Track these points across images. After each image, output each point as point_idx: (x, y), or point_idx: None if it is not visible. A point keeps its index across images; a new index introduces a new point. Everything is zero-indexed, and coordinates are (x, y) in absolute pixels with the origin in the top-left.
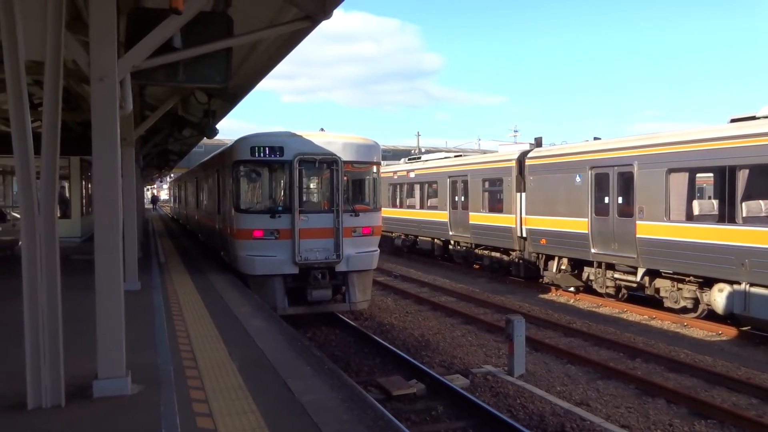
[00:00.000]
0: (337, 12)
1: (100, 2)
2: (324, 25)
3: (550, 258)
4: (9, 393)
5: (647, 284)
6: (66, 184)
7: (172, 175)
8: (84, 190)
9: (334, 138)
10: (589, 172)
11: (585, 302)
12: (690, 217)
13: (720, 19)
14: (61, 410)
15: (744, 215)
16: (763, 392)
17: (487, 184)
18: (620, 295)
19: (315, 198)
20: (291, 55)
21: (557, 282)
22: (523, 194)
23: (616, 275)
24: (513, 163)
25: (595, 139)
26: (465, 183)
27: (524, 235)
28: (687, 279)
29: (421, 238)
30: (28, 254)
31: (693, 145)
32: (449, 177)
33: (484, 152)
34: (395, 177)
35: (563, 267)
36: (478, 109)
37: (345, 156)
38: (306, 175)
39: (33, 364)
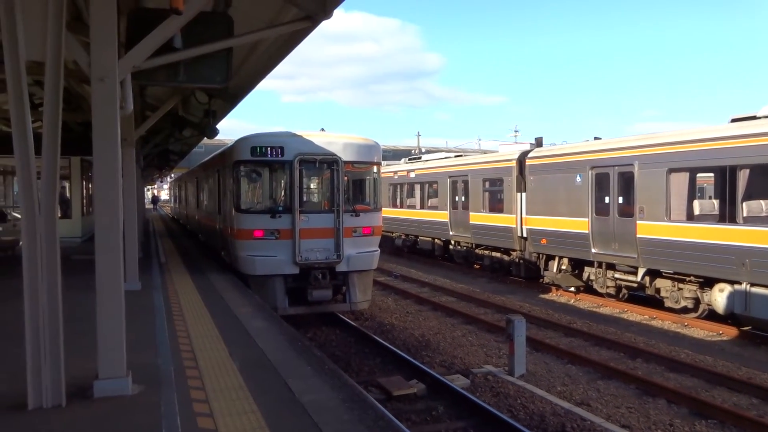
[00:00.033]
0: (338, 12)
1: (100, 3)
2: (324, 25)
3: (550, 258)
4: (10, 393)
5: (648, 284)
6: (66, 185)
7: (172, 175)
8: (84, 191)
9: (335, 138)
10: (590, 172)
11: (585, 302)
12: (691, 217)
13: (720, 19)
14: (61, 410)
15: (745, 215)
16: (763, 392)
17: (487, 184)
18: (621, 295)
19: (315, 198)
20: (291, 55)
21: (558, 282)
22: (524, 194)
23: (617, 275)
24: (513, 163)
25: (596, 139)
26: (465, 183)
27: (525, 235)
28: (688, 279)
29: (422, 238)
30: (29, 254)
31: (693, 144)
32: (449, 177)
33: (485, 152)
34: (396, 177)
35: (564, 267)
36: (478, 109)
37: (345, 156)
38: (306, 175)
39: (34, 365)
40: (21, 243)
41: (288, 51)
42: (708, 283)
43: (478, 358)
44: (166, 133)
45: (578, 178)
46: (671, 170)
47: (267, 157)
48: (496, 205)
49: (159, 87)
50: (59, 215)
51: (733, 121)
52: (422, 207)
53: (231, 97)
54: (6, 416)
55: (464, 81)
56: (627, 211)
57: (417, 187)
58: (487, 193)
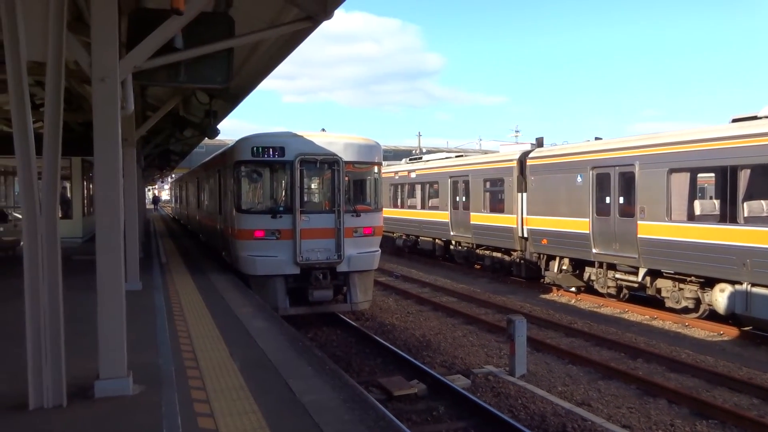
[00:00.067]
0: (338, 12)
1: (101, 3)
2: (325, 26)
3: (551, 258)
4: (11, 393)
5: (648, 284)
6: (67, 185)
7: (173, 175)
8: (85, 191)
9: (336, 138)
10: (591, 172)
11: (586, 302)
12: (691, 217)
13: (720, 18)
14: (62, 410)
15: (745, 215)
16: (764, 392)
17: (488, 185)
18: (621, 296)
19: (316, 198)
20: (292, 55)
21: (558, 282)
22: (525, 194)
23: (618, 275)
24: (514, 163)
25: (597, 139)
26: (466, 183)
27: (525, 235)
28: (688, 279)
29: (423, 238)
30: (30, 254)
31: (694, 145)
32: (450, 177)
33: (486, 152)
34: (396, 177)
35: (564, 267)
36: (479, 109)
37: (346, 156)
38: (307, 175)
39: (35, 365)
40: (22, 243)
41: (289, 51)
42: (709, 283)
43: (479, 359)
44: (167, 133)
45: (579, 179)
46: (672, 170)
47: (268, 157)
48: (497, 205)
49: (160, 87)
50: (60, 215)
51: (734, 121)
52: (423, 207)
53: (232, 98)
54: (7, 416)
55: (465, 81)
56: (628, 211)
57: (418, 188)
58: (487, 194)
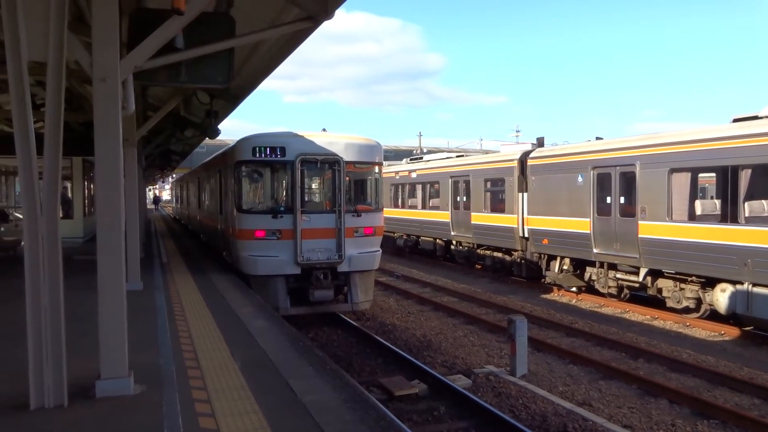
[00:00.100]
0: (339, 12)
1: (102, 3)
2: (326, 26)
3: (552, 258)
4: (12, 393)
5: (649, 284)
6: (68, 185)
7: (174, 175)
8: (86, 191)
9: (336, 138)
10: (591, 172)
11: (587, 302)
12: (692, 217)
13: (719, 18)
14: (63, 410)
15: (746, 215)
16: (765, 392)
17: (489, 184)
18: (622, 295)
19: (317, 198)
20: (293, 55)
21: (559, 282)
22: (525, 194)
23: (619, 275)
24: (515, 163)
25: (597, 138)
26: (467, 183)
27: (526, 235)
28: (689, 279)
29: (423, 238)
30: (31, 255)
31: (695, 144)
32: (451, 177)
33: (486, 152)
34: (397, 177)
35: (565, 267)
36: (480, 109)
37: (347, 156)
38: (308, 175)
39: (36, 365)
40: (23, 243)
41: (289, 51)
42: (710, 283)
43: (480, 359)
44: (168, 133)
45: (580, 178)
46: (673, 170)
47: (269, 157)
48: (498, 205)
49: (161, 87)
50: (61, 215)
51: (735, 121)
52: (424, 207)
53: (233, 98)
54: (8, 416)
55: (466, 81)
56: (629, 211)
57: (418, 188)
58: (488, 194)
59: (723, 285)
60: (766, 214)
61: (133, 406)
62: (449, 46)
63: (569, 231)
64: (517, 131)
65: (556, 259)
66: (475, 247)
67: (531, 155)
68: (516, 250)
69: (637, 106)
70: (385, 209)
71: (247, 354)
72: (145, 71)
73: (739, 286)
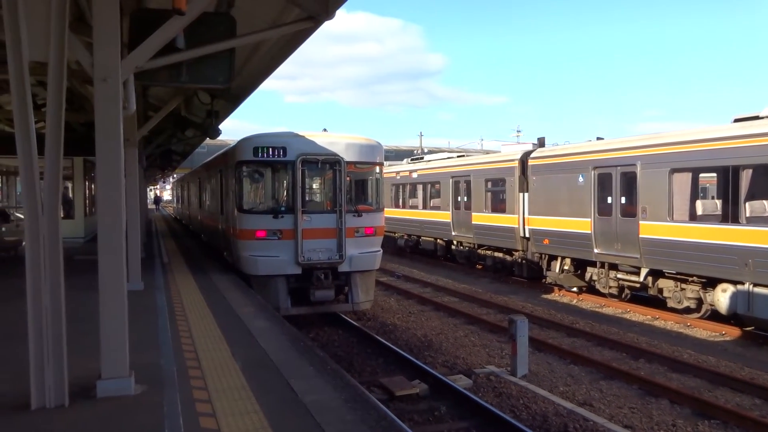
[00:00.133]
0: (340, 12)
1: (103, 3)
2: (327, 26)
3: (553, 258)
4: (13, 393)
5: (650, 284)
6: (69, 185)
7: (175, 175)
8: (87, 191)
9: (337, 138)
10: (592, 172)
11: (588, 302)
12: (693, 217)
13: (719, 17)
14: (64, 410)
15: (747, 215)
16: (766, 393)
17: (489, 185)
18: (623, 296)
19: (318, 198)
20: (294, 55)
21: (560, 282)
22: (526, 194)
23: (619, 275)
24: (516, 164)
25: (598, 139)
26: (468, 183)
27: (527, 235)
28: (690, 279)
29: (424, 238)
30: (32, 255)
31: (696, 145)
32: (452, 177)
33: (487, 152)
34: (398, 177)
35: (566, 267)
36: (481, 109)
37: (348, 156)
38: (309, 175)
39: (37, 365)
40: (24, 243)
41: (290, 51)
42: (711, 283)
43: (481, 359)
44: (169, 133)
45: (581, 179)
46: (674, 170)
47: (269, 157)
48: (499, 205)
49: (161, 87)
50: (62, 216)
51: (736, 121)
52: (424, 207)
53: (233, 98)
54: (9, 416)
55: (467, 81)
56: (629, 211)
57: (419, 188)
58: (489, 194)
59: (724, 285)
60: (766, 214)
61: (134, 406)
62: (450, 46)
63: (570, 231)
64: (518, 131)
65: (557, 259)
66: (476, 247)
67: (532, 155)
68: (517, 250)
69: (638, 105)
70: (385, 209)
71: (248, 354)
72: (146, 71)
73: (740, 287)
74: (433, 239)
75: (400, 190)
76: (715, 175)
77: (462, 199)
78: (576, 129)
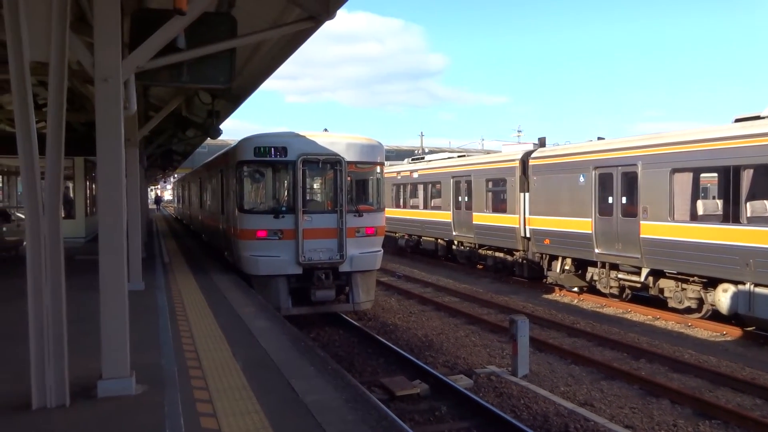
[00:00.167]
0: (341, 12)
1: (104, 3)
2: (327, 26)
3: (553, 258)
4: (14, 393)
5: (651, 284)
6: (70, 185)
7: (175, 175)
8: (88, 191)
9: (338, 138)
10: (593, 172)
11: (589, 302)
12: (694, 217)
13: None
14: (65, 410)
15: (748, 215)
16: (767, 393)
17: (490, 185)
18: (624, 296)
19: (319, 198)
20: (294, 55)
21: (561, 282)
22: (527, 194)
23: (620, 275)
24: (516, 164)
25: (599, 139)
26: (468, 183)
27: (528, 235)
28: (691, 279)
29: (425, 238)
30: (33, 254)
31: (697, 145)
32: (453, 177)
33: (488, 152)
34: (399, 177)
35: (567, 267)
36: (481, 109)
37: (348, 156)
38: (309, 175)
39: (38, 365)
40: (25, 243)
41: (291, 51)
42: (712, 283)
43: (482, 359)
44: (170, 133)
45: (581, 179)
46: (675, 170)
47: (270, 157)
48: (499, 205)
49: (162, 87)
50: (63, 215)
51: (737, 121)
52: (425, 207)
53: (234, 98)
54: (10, 416)
55: (468, 81)
56: (630, 211)
57: (420, 188)
58: (490, 194)
59: (725, 285)
60: (767, 214)
61: (134, 406)
62: (451, 46)
63: (571, 231)
64: (519, 131)
65: (557, 260)
66: (477, 247)
67: (533, 155)
68: (518, 250)
69: (639, 105)
70: (386, 209)
71: (248, 354)
72: (146, 71)
73: (740, 287)
74: (433, 239)
75: (401, 190)
76: (716, 175)
77: (463, 199)
78: (576, 129)
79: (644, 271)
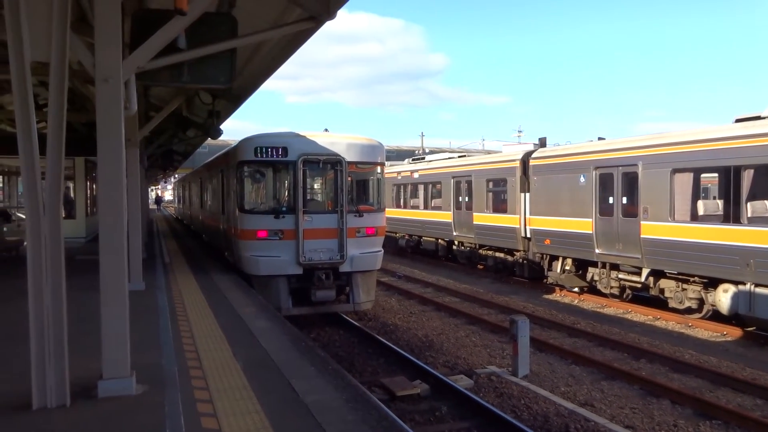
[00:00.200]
0: (341, 12)
1: (104, 3)
2: (328, 26)
3: (554, 258)
4: (14, 393)
5: (652, 285)
6: (71, 185)
7: (176, 175)
8: (89, 191)
9: (338, 138)
10: (594, 173)
11: (589, 303)
12: (695, 217)
13: (719, 16)
14: (65, 410)
15: (749, 215)
16: None
17: (491, 185)
18: (625, 296)
19: (319, 198)
20: (295, 55)
21: (561, 282)
22: (527, 194)
23: (621, 275)
24: (517, 164)
25: (600, 139)
26: (469, 183)
27: (528, 235)
28: (692, 279)
29: (425, 238)
30: (33, 255)
31: (698, 145)
32: (453, 177)
33: (488, 152)
34: (399, 177)
35: (567, 267)
36: (482, 110)
37: (349, 156)
38: (310, 175)
39: (38, 365)
40: (25, 243)
41: (292, 51)
42: (712, 283)
43: (482, 359)
44: (170, 133)
45: (582, 179)
46: (675, 170)
47: (271, 157)
48: (500, 205)
49: (163, 87)
50: (63, 216)
51: (738, 121)
52: (426, 207)
53: (235, 98)
54: (10, 416)
55: (468, 81)
56: (631, 211)
57: (420, 188)
58: (490, 194)
59: (725, 285)
60: None
61: (135, 407)
62: (452, 46)
63: (571, 231)
64: (519, 131)
65: (558, 260)
66: (477, 247)
67: (533, 155)
68: (518, 251)
69: (639, 105)
70: (387, 209)
71: (249, 354)
72: (147, 71)
73: (741, 287)
74: (434, 239)
75: (402, 190)
76: (716, 175)
77: (463, 199)
78: (577, 129)
79: (645, 272)
